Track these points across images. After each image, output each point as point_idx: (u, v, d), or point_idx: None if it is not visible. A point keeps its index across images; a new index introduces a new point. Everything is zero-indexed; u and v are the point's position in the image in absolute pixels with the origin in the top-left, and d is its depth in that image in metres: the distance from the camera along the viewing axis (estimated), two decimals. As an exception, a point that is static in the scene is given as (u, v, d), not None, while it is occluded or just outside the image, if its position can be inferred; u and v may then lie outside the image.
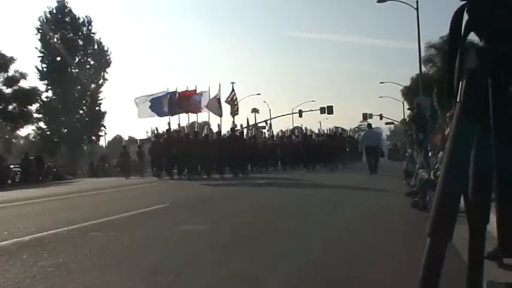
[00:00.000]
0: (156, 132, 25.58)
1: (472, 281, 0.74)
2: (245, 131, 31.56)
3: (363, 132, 23.63)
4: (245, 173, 23.51)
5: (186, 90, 27.42)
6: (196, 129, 25.60)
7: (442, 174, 0.75)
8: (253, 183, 16.88)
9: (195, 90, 27.58)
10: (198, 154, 22.43)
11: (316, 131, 35.55)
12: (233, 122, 31.71)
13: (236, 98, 31.51)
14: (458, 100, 0.77)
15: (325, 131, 35.63)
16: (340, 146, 31.64)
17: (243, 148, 23.91)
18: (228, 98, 30.52)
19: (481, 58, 0.76)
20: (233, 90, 31.40)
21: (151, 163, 26.21)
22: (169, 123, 25.88)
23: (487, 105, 0.73)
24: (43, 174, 30.47)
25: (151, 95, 27.80)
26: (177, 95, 26.89)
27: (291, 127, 43.61)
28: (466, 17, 0.78)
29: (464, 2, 0.78)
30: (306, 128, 35.12)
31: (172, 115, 26.91)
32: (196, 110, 27.59)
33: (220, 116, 27.64)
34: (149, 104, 27.24)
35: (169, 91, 27.07)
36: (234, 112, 30.79)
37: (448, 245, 0.75)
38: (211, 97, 27.19)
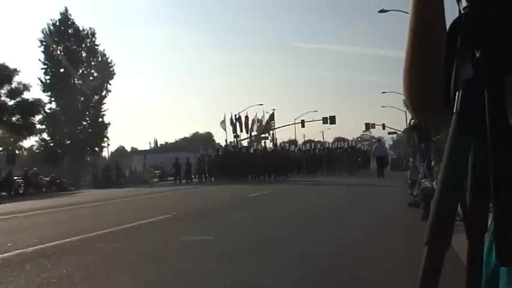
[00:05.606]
0: (218, 147, 33.07)
1: (471, 290, 0.74)
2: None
3: (374, 145, 29.60)
4: (286, 177, 29.88)
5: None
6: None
7: (439, 184, 0.76)
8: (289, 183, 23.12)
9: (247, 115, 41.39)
10: (252, 163, 30.55)
11: (327, 144, 44.59)
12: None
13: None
14: (454, 111, 0.78)
15: (341, 144, 43.31)
16: (355, 156, 37.23)
17: (283, 159, 31.47)
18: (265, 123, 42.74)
19: (477, 69, 0.77)
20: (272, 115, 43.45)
21: (215, 171, 31.90)
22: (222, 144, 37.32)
23: (484, 116, 0.74)
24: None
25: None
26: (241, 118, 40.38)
27: (293, 137, 51.36)
28: (463, 27, 0.79)
29: (462, 12, 0.80)
30: (327, 142, 47.05)
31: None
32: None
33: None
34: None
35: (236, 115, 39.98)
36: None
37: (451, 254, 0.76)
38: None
